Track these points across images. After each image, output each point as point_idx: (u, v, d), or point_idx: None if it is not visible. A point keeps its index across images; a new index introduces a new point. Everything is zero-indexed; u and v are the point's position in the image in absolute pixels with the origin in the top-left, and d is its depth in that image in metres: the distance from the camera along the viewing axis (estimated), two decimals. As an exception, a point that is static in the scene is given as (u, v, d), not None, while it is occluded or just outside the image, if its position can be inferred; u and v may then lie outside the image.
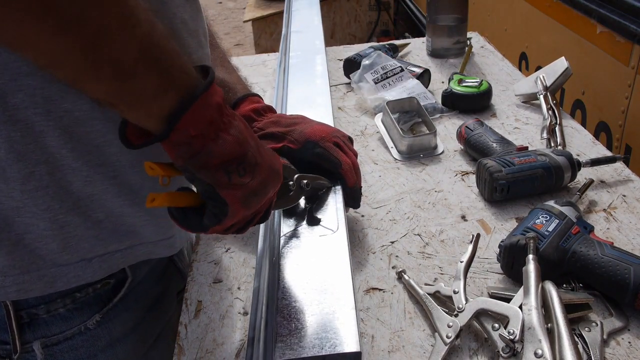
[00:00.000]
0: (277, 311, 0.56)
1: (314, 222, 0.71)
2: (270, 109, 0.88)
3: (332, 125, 0.88)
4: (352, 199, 0.82)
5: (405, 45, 1.59)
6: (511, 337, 0.62)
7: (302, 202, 0.75)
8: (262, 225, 0.88)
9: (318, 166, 0.79)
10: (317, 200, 0.76)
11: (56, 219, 0.61)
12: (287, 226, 0.70)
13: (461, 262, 0.76)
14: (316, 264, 0.63)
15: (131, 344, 0.74)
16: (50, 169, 0.58)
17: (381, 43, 1.56)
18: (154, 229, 0.69)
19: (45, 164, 0.58)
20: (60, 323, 0.67)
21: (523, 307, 0.65)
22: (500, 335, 0.64)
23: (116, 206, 0.64)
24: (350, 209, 0.93)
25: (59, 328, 0.67)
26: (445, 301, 0.74)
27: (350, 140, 0.86)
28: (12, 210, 0.59)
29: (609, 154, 1.05)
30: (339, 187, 0.79)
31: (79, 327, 0.68)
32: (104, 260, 0.66)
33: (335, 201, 0.75)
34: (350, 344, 0.52)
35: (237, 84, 0.89)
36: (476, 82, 1.24)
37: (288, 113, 0.94)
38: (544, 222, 0.79)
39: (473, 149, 1.06)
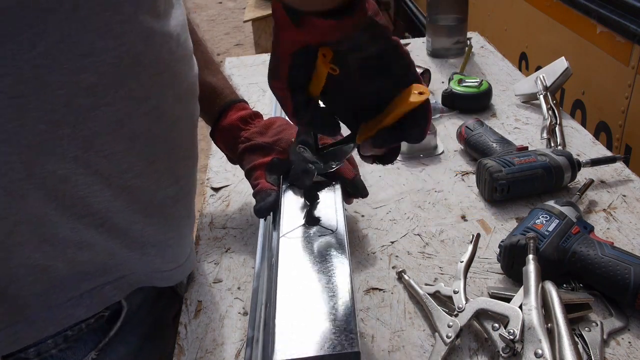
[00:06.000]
0: (276, 311, 0.56)
1: (313, 222, 0.71)
2: (257, 115, 0.87)
3: None
4: (356, 189, 0.81)
5: (405, 45, 1.59)
6: (511, 337, 0.62)
7: (301, 201, 0.75)
8: (261, 225, 0.88)
9: None
10: (316, 200, 0.76)
11: (36, 265, 0.58)
12: (286, 226, 0.70)
13: (461, 262, 0.76)
14: (315, 263, 0.63)
15: None
16: (32, 227, 0.56)
17: (381, 43, 1.56)
18: (147, 265, 0.67)
19: (26, 224, 0.55)
20: None
21: (523, 307, 0.65)
22: (500, 335, 0.64)
23: (104, 249, 0.62)
24: (350, 209, 0.93)
25: None
26: (445, 301, 0.74)
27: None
28: None
29: (609, 154, 1.05)
30: (338, 187, 0.78)
31: None
32: (94, 295, 0.63)
33: (334, 201, 0.75)
34: (349, 344, 0.52)
35: (224, 88, 0.87)
36: (476, 82, 1.24)
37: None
38: (544, 222, 0.79)
39: (473, 149, 1.06)
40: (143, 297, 0.72)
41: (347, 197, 0.84)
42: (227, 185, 1.03)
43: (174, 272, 0.72)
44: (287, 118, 0.81)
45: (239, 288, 0.80)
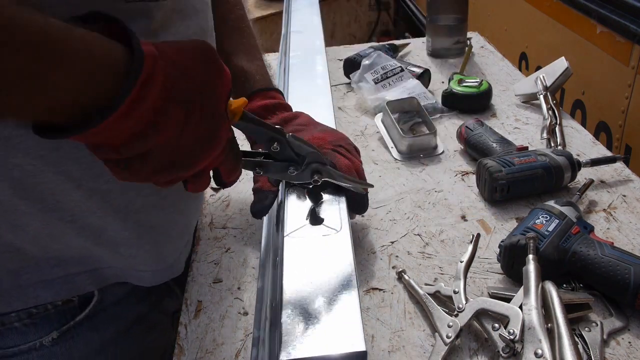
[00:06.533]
0: (281, 311, 0.56)
1: (317, 221, 0.71)
2: (283, 107, 0.84)
3: (335, 129, 0.85)
4: (356, 204, 0.76)
5: (405, 45, 1.59)
6: (511, 337, 0.62)
7: (305, 201, 0.75)
8: (264, 225, 0.88)
9: None
10: (320, 200, 0.76)
11: (10, 244, 0.59)
12: (290, 226, 0.70)
13: (461, 262, 0.76)
14: (320, 263, 0.63)
15: None
16: (2, 212, 0.56)
17: (381, 43, 1.56)
18: (122, 262, 0.67)
19: None
20: (15, 337, 0.65)
21: (523, 307, 0.65)
22: (500, 335, 0.64)
23: (77, 243, 0.62)
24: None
25: (13, 341, 0.65)
26: (445, 301, 0.74)
27: (357, 151, 0.82)
28: None
29: (609, 154, 1.05)
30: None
31: (34, 343, 0.65)
32: (67, 282, 0.64)
33: (338, 201, 0.75)
34: (355, 344, 0.52)
35: (256, 75, 0.84)
36: (476, 82, 1.24)
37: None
38: (544, 222, 0.79)
39: (473, 149, 1.06)
40: (126, 292, 0.71)
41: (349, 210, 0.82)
42: (227, 185, 1.03)
43: (151, 274, 0.71)
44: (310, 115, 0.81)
45: (239, 288, 0.80)
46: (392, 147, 1.12)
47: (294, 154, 0.62)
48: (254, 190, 0.79)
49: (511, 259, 0.77)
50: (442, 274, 0.81)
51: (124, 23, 0.42)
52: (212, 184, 1.03)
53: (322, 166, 0.65)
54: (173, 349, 0.73)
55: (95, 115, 0.40)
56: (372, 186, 0.69)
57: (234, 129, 0.57)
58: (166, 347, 0.77)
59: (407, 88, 1.27)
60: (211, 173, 0.56)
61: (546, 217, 0.79)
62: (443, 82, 1.38)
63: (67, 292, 0.65)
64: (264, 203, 0.76)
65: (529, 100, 1.25)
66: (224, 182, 0.58)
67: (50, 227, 0.59)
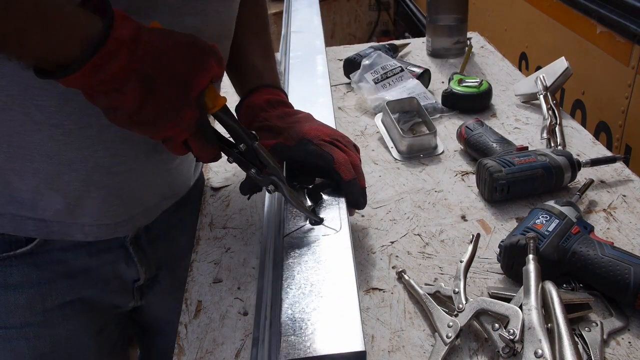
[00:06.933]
0: (281, 311, 0.56)
1: (317, 221, 0.71)
2: (284, 104, 0.87)
3: (335, 128, 0.86)
4: (352, 196, 0.76)
5: (405, 45, 1.59)
6: (511, 337, 0.62)
7: (305, 201, 0.75)
8: (264, 225, 0.88)
9: (312, 165, 0.77)
10: (319, 200, 0.76)
11: None
12: (290, 226, 0.70)
13: (461, 262, 0.76)
14: (320, 263, 0.63)
15: (27, 296, 0.77)
16: None
17: (381, 43, 1.56)
18: (67, 214, 0.73)
19: None
20: None
21: (523, 307, 0.65)
22: (500, 335, 0.64)
23: (33, 184, 0.70)
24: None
25: None
26: (445, 301, 0.74)
27: (357, 148, 0.82)
28: None
29: (609, 154, 1.05)
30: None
31: None
32: (14, 222, 0.72)
33: (338, 201, 0.75)
34: (355, 343, 0.52)
35: (265, 72, 0.90)
36: (476, 82, 1.24)
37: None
38: (544, 222, 0.79)
39: (473, 149, 1.06)
40: (75, 244, 0.78)
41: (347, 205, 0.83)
42: (227, 186, 1.03)
43: (95, 228, 0.77)
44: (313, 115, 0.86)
45: (239, 288, 0.80)
46: (392, 147, 1.12)
47: (257, 160, 0.69)
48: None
49: (511, 259, 0.77)
50: (442, 274, 0.81)
51: (109, 5, 0.53)
52: (212, 184, 1.04)
53: (280, 182, 0.70)
54: (133, 310, 0.90)
55: (64, 70, 0.52)
56: (321, 220, 0.71)
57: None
58: (119, 306, 0.89)
59: (407, 88, 1.27)
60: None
61: (546, 217, 0.79)
62: (443, 82, 1.38)
63: (12, 230, 0.73)
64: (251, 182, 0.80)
65: (529, 100, 1.26)
66: (195, 156, 0.67)
67: (13, 162, 0.68)
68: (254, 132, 0.69)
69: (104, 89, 0.54)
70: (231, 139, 0.69)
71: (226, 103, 0.65)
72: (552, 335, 0.62)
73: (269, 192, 0.71)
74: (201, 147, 0.66)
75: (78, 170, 0.70)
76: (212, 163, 1.09)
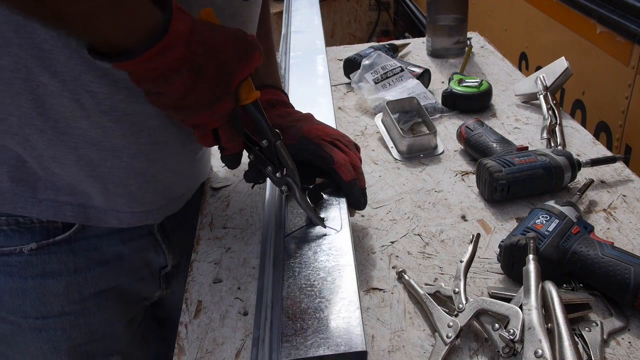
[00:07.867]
0: (282, 311, 0.56)
1: (319, 223, 0.71)
2: (284, 104, 0.88)
3: (335, 128, 0.87)
4: (352, 196, 0.77)
5: (405, 45, 1.59)
6: (511, 337, 0.62)
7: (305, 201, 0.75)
8: (264, 225, 0.88)
9: (311, 164, 0.78)
10: (320, 200, 0.76)
11: (16, 162, 0.69)
12: (290, 226, 0.70)
13: (461, 262, 0.76)
14: (320, 263, 0.63)
15: (65, 284, 0.78)
16: (17, 123, 0.65)
17: (381, 43, 1.56)
18: (104, 200, 0.74)
19: (17, 117, 0.65)
20: (2, 238, 0.74)
21: (523, 307, 0.65)
22: (500, 335, 0.64)
23: (74, 172, 0.70)
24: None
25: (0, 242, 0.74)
26: (446, 301, 0.74)
27: (357, 148, 0.83)
28: None
29: (609, 154, 1.05)
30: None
31: (15, 248, 0.74)
32: (53, 207, 0.73)
33: (339, 201, 0.75)
34: (356, 343, 0.52)
35: (265, 73, 0.91)
36: (476, 82, 1.24)
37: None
38: (544, 222, 0.79)
39: (473, 149, 1.06)
40: (108, 230, 0.78)
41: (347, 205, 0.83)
42: (227, 186, 1.03)
43: (129, 215, 0.78)
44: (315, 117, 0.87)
45: (239, 288, 0.80)
46: (392, 147, 1.12)
47: (276, 159, 0.70)
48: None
49: (511, 259, 0.77)
50: (442, 274, 0.81)
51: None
52: (212, 184, 1.04)
53: (294, 184, 0.71)
54: (158, 301, 0.90)
55: (121, 55, 0.54)
56: (324, 225, 0.71)
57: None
58: (146, 297, 0.91)
59: (407, 88, 1.27)
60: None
61: (546, 217, 0.79)
62: (443, 82, 1.38)
63: (51, 216, 0.73)
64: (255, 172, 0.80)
65: (529, 100, 1.26)
66: (222, 146, 0.69)
67: (55, 149, 0.68)
68: (278, 130, 0.70)
69: (154, 75, 0.57)
70: (252, 136, 0.71)
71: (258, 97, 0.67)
72: (552, 335, 0.62)
73: (282, 192, 0.73)
74: (230, 137, 0.68)
75: (121, 157, 0.71)
76: (213, 163, 1.10)
